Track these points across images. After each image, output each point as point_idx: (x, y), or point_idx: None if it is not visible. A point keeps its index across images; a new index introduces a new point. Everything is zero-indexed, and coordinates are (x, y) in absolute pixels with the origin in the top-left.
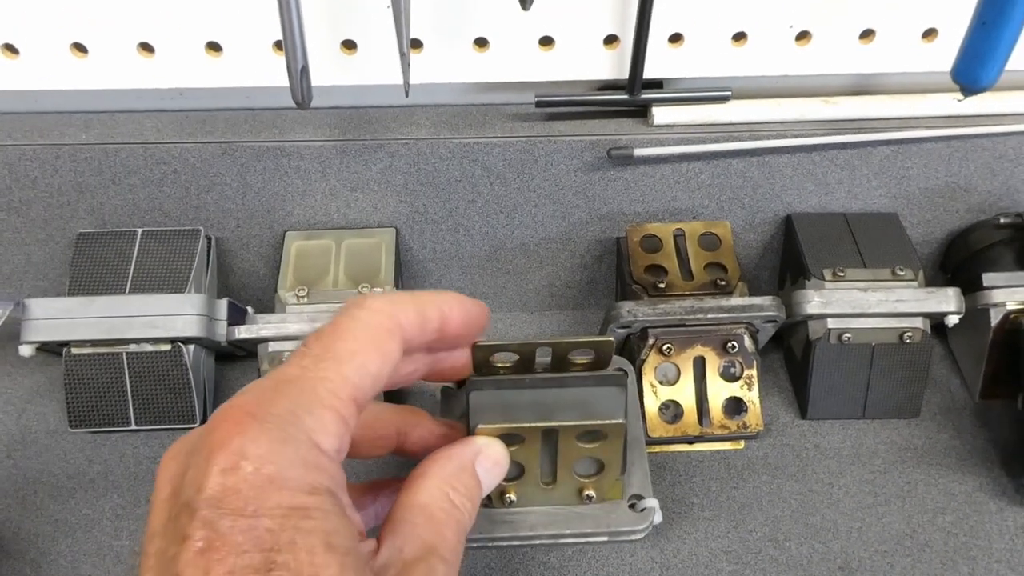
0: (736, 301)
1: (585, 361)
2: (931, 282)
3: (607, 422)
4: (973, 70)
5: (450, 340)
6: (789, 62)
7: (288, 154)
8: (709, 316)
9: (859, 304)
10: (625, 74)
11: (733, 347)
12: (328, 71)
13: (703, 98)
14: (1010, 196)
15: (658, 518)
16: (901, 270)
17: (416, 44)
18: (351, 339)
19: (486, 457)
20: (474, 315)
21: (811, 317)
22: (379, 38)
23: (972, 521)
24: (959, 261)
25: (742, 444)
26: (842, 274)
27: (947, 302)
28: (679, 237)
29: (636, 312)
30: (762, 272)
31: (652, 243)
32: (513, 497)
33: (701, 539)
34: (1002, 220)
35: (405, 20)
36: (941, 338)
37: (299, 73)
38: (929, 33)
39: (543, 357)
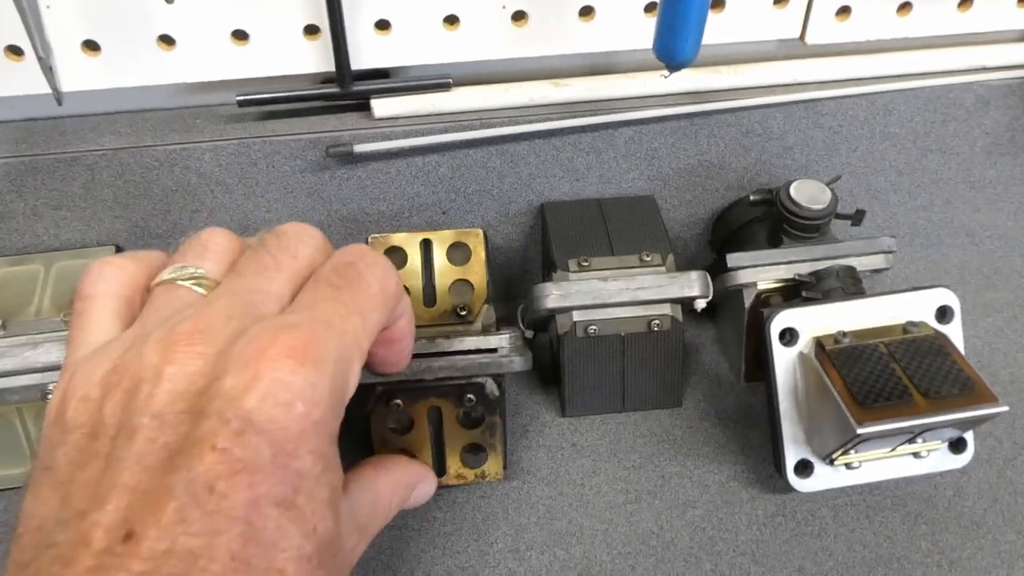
0: (471, 343)
1: None
2: (692, 265)
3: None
4: (669, 45)
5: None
6: (509, 45)
7: None
8: (440, 375)
9: (600, 294)
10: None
11: (471, 400)
12: None
13: (422, 86)
14: (766, 171)
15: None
16: (647, 255)
17: (92, 46)
18: (369, 294)
19: (423, 486)
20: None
21: (554, 311)
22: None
23: (722, 513)
24: (721, 241)
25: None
26: (587, 264)
27: (690, 286)
28: (427, 248)
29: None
30: (531, 264)
31: (398, 257)
32: None
33: (438, 556)
34: (752, 198)
35: (32, 17)
36: (714, 322)
37: None
38: (652, 8)
39: None
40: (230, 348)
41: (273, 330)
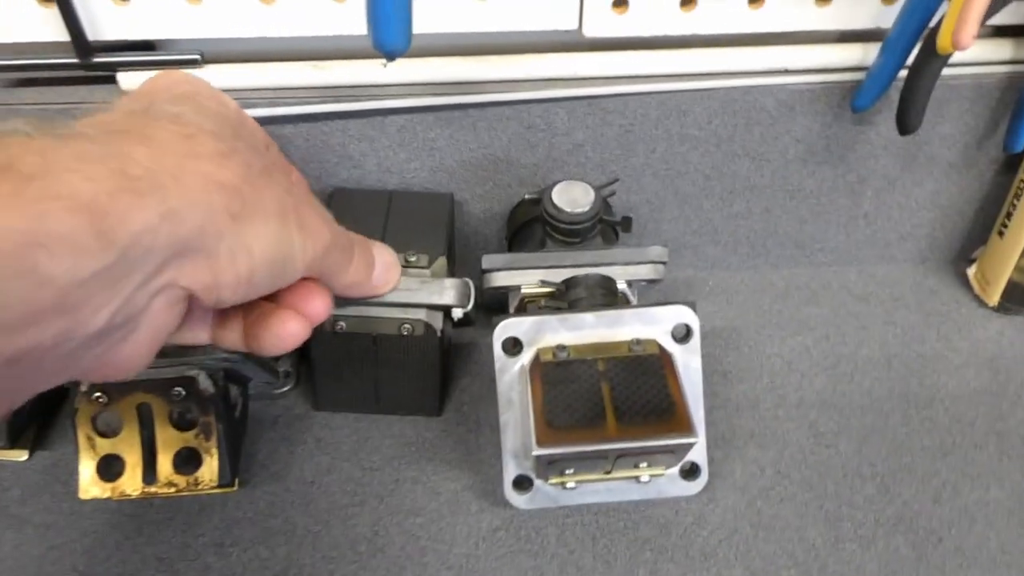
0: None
1: None
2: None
3: None
4: (375, 34)
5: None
6: (262, 23)
7: None
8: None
9: None
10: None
11: (179, 394)
12: None
13: (167, 62)
14: (559, 168)
15: None
16: (413, 256)
17: None
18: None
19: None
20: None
21: None
22: None
23: (444, 523)
24: (510, 239)
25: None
26: None
27: (441, 294)
28: None
29: None
30: None
31: None
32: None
33: (141, 544)
34: (526, 196)
35: None
36: None
37: None
38: None
39: None
40: None
41: None
